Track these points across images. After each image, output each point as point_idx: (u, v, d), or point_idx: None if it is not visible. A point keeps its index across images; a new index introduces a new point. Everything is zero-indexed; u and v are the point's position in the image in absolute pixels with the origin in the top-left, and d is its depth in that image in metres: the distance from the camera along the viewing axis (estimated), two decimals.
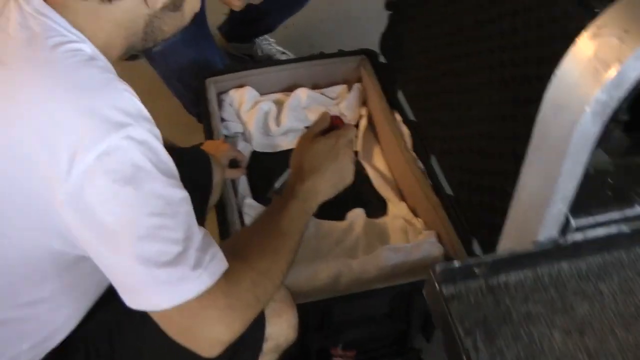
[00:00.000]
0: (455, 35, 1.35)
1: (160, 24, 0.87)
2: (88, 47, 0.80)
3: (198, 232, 0.81)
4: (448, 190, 1.40)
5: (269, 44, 2.18)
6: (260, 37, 2.17)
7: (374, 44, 1.76)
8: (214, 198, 1.32)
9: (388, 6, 1.75)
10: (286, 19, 2.12)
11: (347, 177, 1.13)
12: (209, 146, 1.43)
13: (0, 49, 0.76)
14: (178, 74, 1.79)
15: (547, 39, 0.96)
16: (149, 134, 0.76)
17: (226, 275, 0.82)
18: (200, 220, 1.29)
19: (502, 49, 1.15)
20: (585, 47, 0.64)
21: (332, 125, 1.20)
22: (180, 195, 0.79)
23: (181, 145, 1.45)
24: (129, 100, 0.77)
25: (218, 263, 0.81)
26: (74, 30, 0.79)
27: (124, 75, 0.80)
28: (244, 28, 2.09)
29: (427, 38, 1.52)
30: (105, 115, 0.73)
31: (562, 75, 0.66)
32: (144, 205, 0.75)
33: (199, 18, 1.75)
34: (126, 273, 0.77)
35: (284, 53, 2.18)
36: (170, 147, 1.29)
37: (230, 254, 0.87)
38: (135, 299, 0.79)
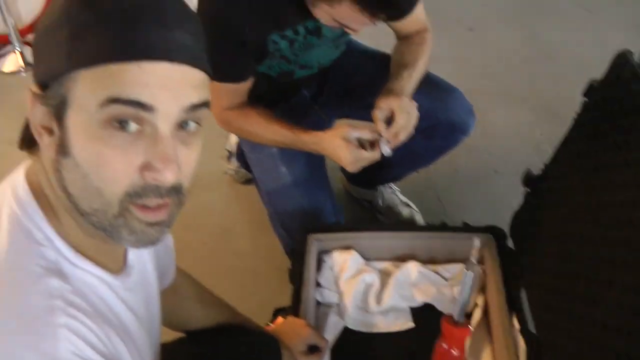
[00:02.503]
0: (606, 251, 1.12)
1: (66, 181, 0.70)
2: (51, 251, 0.71)
3: None
4: None
5: (392, 192, 2.02)
6: (385, 184, 2.02)
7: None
8: None
9: (526, 181, 1.54)
10: (416, 170, 1.95)
11: None
12: (287, 325, 1.27)
13: None
14: (282, 219, 1.67)
15: None
16: None
17: None
18: None
19: None
20: None
21: None
22: None
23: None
24: (57, 342, 0.64)
25: None
26: (44, 227, 0.72)
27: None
28: (368, 174, 1.93)
29: (567, 239, 1.28)
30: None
31: None
32: None
33: (316, 159, 1.64)
34: None
35: (407, 205, 2.00)
36: (237, 332, 1.13)
37: None
38: None
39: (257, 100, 1.55)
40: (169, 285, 1.10)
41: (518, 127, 2.50)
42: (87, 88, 0.64)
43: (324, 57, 1.64)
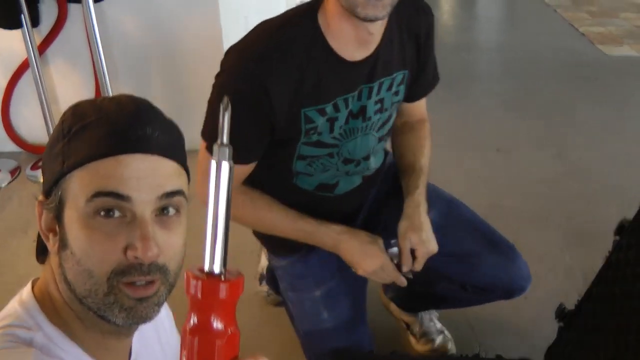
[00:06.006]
0: None
1: (65, 271, 0.78)
2: (40, 337, 0.77)
3: None
4: None
5: (430, 319, 2.02)
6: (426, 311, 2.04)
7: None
8: None
9: (559, 316, 1.55)
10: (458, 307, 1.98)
11: None
12: None
13: None
14: (318, 356, 1.65)
15: None
16: None
17: None
18: None
19: None
20: None
21: None
22: None
23: None
24: None
25: None
26: (39, 316, 0.79)
27: None
28: (410, 300, 1.99)
29: None
30: None
31: None
32: None
33: (360, 297, 1.64)
34: None
35: (442, 332, 2.00)
36: None
37: None
38: None
39: None
40: None
41: (547, 250, 2.50)
42: (78, 186, 0.75)
43: (370, 148, 1.51)
